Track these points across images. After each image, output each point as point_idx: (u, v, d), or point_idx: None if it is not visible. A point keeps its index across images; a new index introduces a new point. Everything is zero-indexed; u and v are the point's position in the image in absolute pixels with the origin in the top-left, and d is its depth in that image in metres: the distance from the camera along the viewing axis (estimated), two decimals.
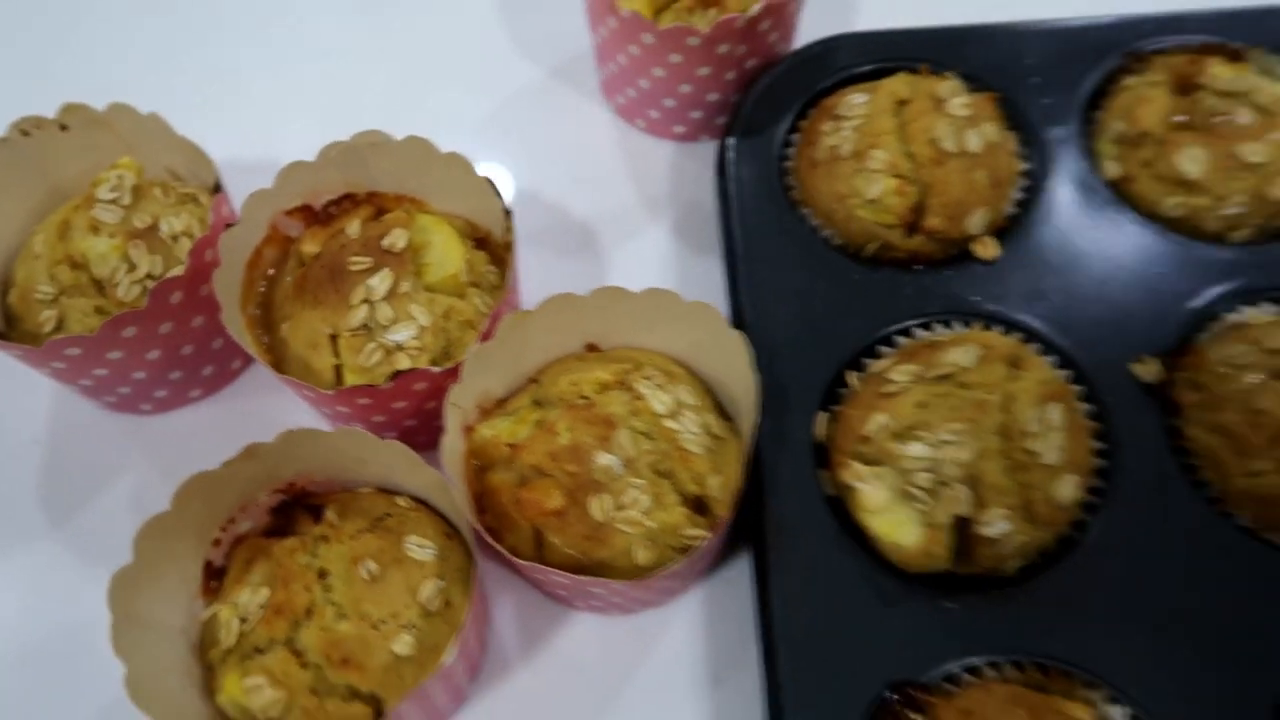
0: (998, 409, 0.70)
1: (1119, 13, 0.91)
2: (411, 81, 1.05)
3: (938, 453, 0.69)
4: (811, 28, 0.95)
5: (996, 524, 0.68)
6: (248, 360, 0.89)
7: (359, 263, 0.77)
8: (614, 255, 0.94)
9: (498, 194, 0.79)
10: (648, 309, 0.74)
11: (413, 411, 0.76)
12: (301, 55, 1.07)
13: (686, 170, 0.97)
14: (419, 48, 1.07)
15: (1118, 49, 0.89)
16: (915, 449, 0.69)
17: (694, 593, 0.80)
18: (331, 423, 0.84)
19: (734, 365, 0.73)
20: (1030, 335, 0.78)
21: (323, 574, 0.69)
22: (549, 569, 0.66)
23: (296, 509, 0.75)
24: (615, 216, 0.96)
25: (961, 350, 0.72)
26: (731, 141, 0.88)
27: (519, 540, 0.71)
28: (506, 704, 0.77)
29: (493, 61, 1.05)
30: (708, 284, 0.89)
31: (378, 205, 0.85)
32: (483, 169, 0.80)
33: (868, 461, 0.71)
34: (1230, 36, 0.88)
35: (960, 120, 0.80)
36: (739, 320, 0.81)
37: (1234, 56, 0.87)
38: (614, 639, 0.78)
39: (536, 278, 0.89)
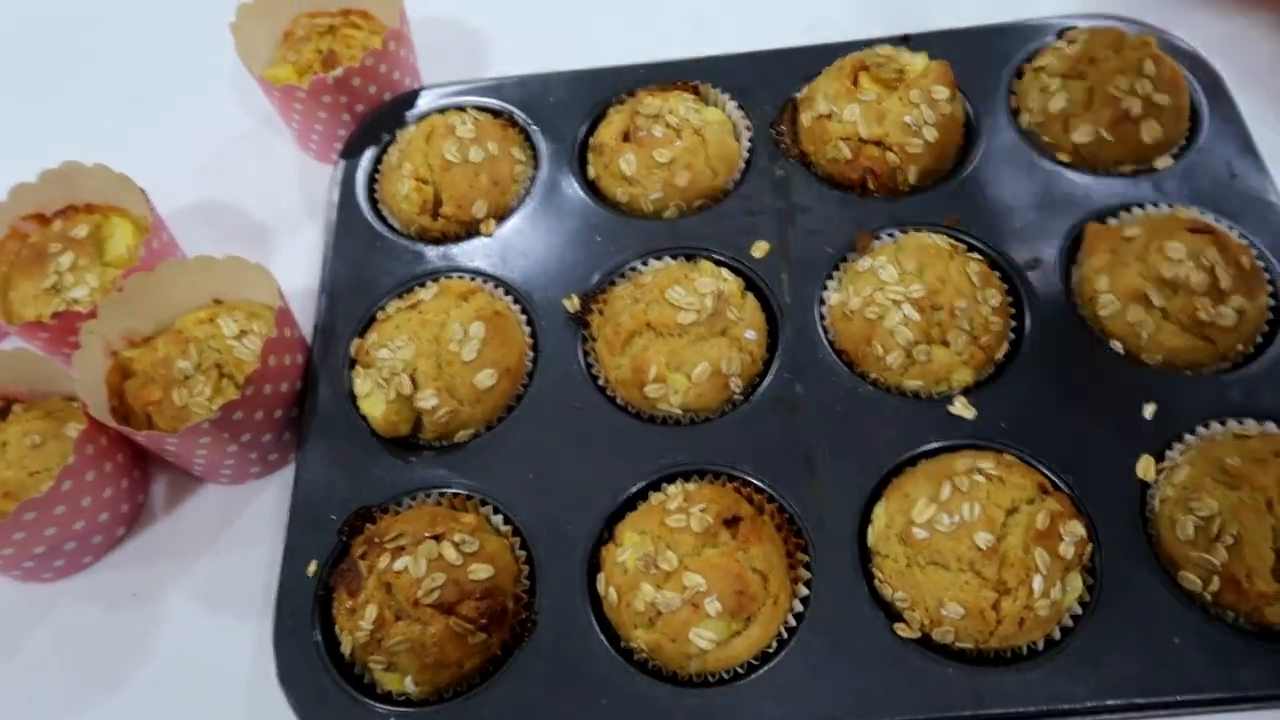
0: (437, 325, 1.05)
1: (624, 63, 1.27)
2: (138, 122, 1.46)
3: (394, 355, 1.04)
4: (435, 73, 1.35)
5: (428, 399, 1.02)
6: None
7: (55, 247, 1.16)
8: (282, 245, 1.32)
9: (147, 199, 1.17)
10: (230, 270, 1.11)
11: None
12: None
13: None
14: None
15: (615, 91, 1.25)
16: (382, 354, 1.05)
17: (287, 470, 1.15)
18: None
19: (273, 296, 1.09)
20: (500, 281, 1.13)
21: (4, 444, 1.06)
22: (133, 430, 1.02)
23: (8, 411, 1.13)
24: (285, 219, 1.34)
25: (426, 290, 1.08)
26: (341, 162, 1.26)
27: (139, 425, 1.08)
28: (150, 541, 1.12)
29: (210, 109, 1.45)
30: None
31: (92, 212, 1.23)
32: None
33: (365, 367, 1.07)
34: (691, 78, 1.24)
35: (466, 141, 1.17)
36: (324, 280, 1.17)
37: (694, 91, 1.23)
38: (234, 497, 1.14)
39: None
